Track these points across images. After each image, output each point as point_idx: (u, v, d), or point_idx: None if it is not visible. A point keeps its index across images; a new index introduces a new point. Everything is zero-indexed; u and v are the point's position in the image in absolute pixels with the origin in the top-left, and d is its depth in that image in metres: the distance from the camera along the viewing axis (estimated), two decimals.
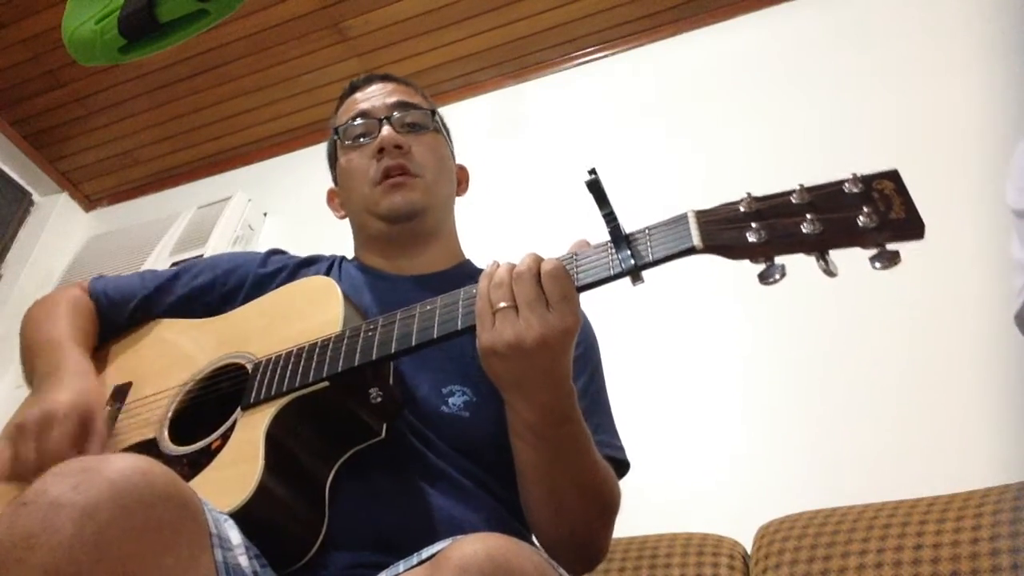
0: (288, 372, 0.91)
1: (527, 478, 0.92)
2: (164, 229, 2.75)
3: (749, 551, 1.34)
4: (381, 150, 1.15)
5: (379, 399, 0.90)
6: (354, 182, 1.19)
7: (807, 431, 1.66)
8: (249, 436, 0.88)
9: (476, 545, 0.66)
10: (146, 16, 0.91)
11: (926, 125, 1.91)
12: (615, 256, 0.80)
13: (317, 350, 0.91)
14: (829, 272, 0.71)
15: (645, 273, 0.78)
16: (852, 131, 1.99)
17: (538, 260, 0.82)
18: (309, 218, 1.99)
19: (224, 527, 0.77)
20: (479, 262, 1.23)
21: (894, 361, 1.66)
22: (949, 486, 1.24)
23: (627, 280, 0.79)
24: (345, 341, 0.90)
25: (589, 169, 0.77)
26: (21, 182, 3.01)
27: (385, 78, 1.27)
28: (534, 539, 0.99)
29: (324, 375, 0.88)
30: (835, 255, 0.72)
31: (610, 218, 0.79)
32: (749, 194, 0.75)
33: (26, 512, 0.60)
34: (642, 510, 1.23)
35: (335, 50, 2.65)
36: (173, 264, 2.41)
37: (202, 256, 2.08)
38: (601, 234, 0.82)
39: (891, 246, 0.69)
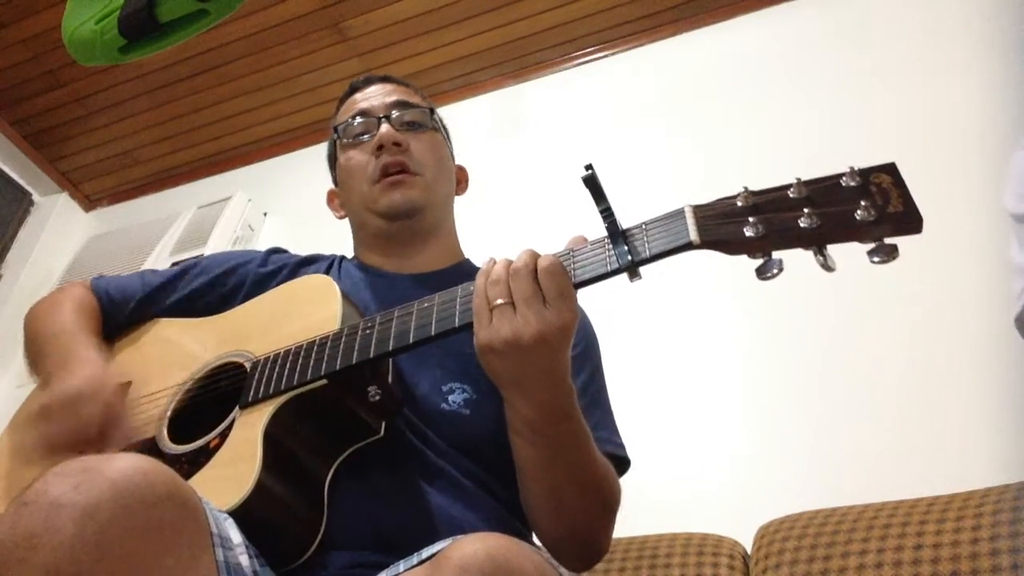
0: (286, 371, 0.91)
1: (527, 476, 0.92)
2: (164, 229, 2.75)
3: (749, 551, 1.34)
4: (380, 147, 1.16)
5: (377, 397, 0.90)
6: (353, 180, 1.19)
7: (807, 431, 1.66)
8: (247, 435, 0.88)
9: (476, 545, 0.66)
10: (146, 16, 0.92)
11: (926, 125, 1.91)
12: (612, 252, 0.79)
13: (315, 348, 0.91)
14: (827, 267, 0.71)
15: (643, 269, 0.78)
16: (852, 131, 1.99)
17: (535, 256, 0.82)
18: (309, 218, 1.99)
19: (225, 526, 0.77)
20: (479, 261, 1.23)
21: (894, 361, 1.66)
22: (949, 486, 1.24)
23: (625, 276, 0.79)
24: (343, 339, 0.90)
25: (585, 165, 0.77)
26: (21, 182, 3.01)
27: (384, 79, 1.27)
28: (534, 538, 0.98)
29: (322, 373, 0.88)
30: (833, 250, 0.71)
31: (607, 214, 0.79)
32: (746, 188, 0.75)
33: (27, 512, 0.60)
34: (642, 510, 1.23)
35: (335, 50, 2.65)
36: (173, 264, 2.41)
37: (202, 256, 2.08)
38: (599, 232, 0.81)
39: (889, 240, 0.69)
